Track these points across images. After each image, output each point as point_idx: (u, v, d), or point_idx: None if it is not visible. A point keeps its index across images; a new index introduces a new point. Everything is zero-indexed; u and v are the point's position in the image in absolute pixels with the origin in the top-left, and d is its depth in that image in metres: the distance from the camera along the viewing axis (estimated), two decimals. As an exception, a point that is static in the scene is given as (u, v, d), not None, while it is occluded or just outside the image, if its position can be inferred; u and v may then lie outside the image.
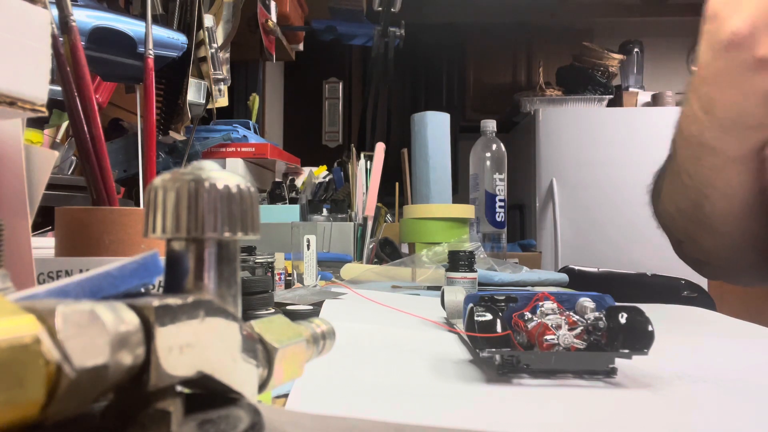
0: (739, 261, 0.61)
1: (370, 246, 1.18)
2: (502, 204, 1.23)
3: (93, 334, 0.13)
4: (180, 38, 0.97)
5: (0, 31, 0.27)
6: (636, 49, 3.53)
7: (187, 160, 1.16)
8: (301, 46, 2.38)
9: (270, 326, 0.19)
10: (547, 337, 0.37)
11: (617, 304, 0.39)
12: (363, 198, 1.21)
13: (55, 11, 0.39)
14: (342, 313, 0.61)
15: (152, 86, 0.48)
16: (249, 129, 1.76)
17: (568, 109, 3.23)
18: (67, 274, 0.38)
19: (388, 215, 1.57)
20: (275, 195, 1.54)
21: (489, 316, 0.37)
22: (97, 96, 0.97)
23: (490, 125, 1.25)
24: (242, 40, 1.65)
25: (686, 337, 0.54)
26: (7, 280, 0.20)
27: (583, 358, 0.37)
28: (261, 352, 0.18)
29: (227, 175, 0.17)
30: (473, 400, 0.33)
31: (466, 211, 1.10)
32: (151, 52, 0.48)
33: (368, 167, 1.22)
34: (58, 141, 0.97)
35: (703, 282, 1.32)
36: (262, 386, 0.18)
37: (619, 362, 0.37)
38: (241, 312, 0.18)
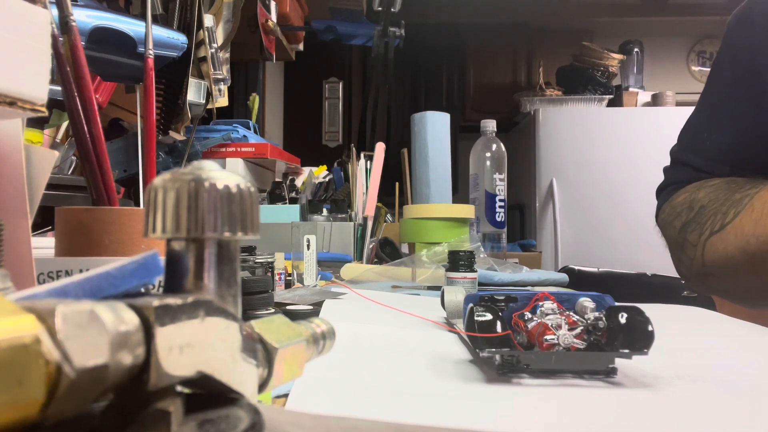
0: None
1: (370, 246, 1.18)
2: (502, 204, 1.23)
3: (93, 334, 0.13)
4: (180, 38, 0.97)
5: (0, 31, 0.27)
6: (636, 49, 3.53)
7: (187, 160, 1.16)
8: (301, 46, 2.38)
9: (270, 326, 0.19)
10: (547, 337, 0.37)
11: (617, 304, 0.39)
12: (363, 198, 1.21)
13: (55, 11, 0.39)
14: (342, 313, 0.61)
15: (152, 86, 0.48)
16: (249, 129, 1.76)
17: (568, 109, 3.23)
18: (67, 274, 0.38)
19: (388, 215, 1.57)
20: (275, 195, 1.54)
21: (489, 316, 0.37)
22: (97, 96, 0.97)
23: (490, 125, 1.25)
24: (242, 40, 1.65)
25: (686, 337, 0.54)
26: (7, 280, 0.20)
27: (583, 358, 0.37)
28: (261, 352, 0.18)
29: (227, 175, 0.17)
30: (473, 400, 0.33)
31: (466, 211, 1.10)
32: (151, 52, 0.48)
33: (368, 167, 1.22)
34: (58, 141, 0.97)
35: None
36: (262, 386, 0.18)
37: (619, 362, 0.37)
38: (241, 312, 0.18)
